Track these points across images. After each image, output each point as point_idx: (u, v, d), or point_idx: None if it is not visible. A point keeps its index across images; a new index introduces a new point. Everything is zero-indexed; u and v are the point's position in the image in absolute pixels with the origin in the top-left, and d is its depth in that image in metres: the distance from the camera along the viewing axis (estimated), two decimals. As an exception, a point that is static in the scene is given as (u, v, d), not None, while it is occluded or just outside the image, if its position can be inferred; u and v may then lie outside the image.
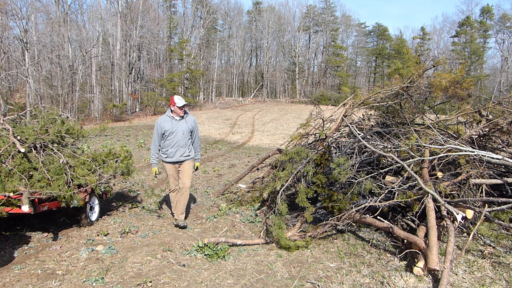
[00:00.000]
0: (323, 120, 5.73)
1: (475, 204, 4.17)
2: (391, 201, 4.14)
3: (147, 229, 5.02)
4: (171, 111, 5.08)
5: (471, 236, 3.67)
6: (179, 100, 4.98)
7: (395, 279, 3.35)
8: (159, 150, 5.17)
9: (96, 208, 5.29)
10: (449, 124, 5.74)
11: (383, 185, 4.42)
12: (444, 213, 3.85)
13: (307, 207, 4.50)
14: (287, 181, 4.79)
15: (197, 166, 5.31)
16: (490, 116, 5.29)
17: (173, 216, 5.31)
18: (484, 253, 3.80)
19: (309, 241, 4.32)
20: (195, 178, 8.76)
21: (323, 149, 5.06)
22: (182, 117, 5.08)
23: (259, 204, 5.97)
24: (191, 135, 5.17)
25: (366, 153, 5.00)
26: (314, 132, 5.85)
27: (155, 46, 41.38)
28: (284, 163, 5.10)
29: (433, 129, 5.13)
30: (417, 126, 5.50)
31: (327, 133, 5.35)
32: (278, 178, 4.91)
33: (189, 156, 5.18)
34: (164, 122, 5.05)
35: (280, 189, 4.73)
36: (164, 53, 46.44)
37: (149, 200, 6.60)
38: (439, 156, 4.37)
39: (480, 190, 4.28)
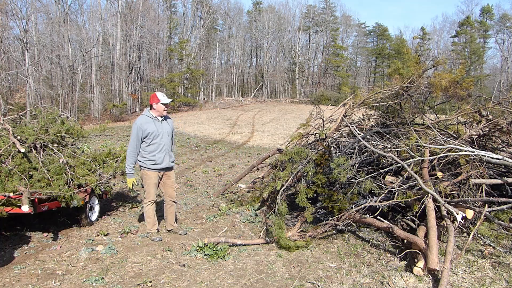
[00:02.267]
0: (323, 120, 5.73)
1: (475, 204, 4.17)
2: (391, 201, 4.13)
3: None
4: (151, 109, 4.47)
5: (471, 236, 3.67)
6: (163, 97, 4.42)
7: (395, 279, 3.34)
8: (137, 156, 4.46)
9: (96, 208, 5.29)
10: (449, 124, 5.74)
11: (383, 185, 4.42)
12: (444, 213, 3.85)
13: (307, 207, 4.50)
14: (287, 181, 4.79)
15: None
16: (490, 116, 5.29)
17: (149, 231, 4.67)
18: (484, 253, 3.80)
19: (309, 241, 4.32)
20: (195, 178, 8.77)
21: (323, 149, 5.06)
22: (164, 117, 4.54)
23: (259, 204, 5.97)
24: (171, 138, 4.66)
25: (366, 153, 5.00)
26: (314, 132, 5.86)
27: (155, 46, 41.40)
28: (284, 163, 5.10)
29: (433, 129, 5.12)
30: (417, 126, 5.50)
31: (327, 133, 5.35)
32: (278, 178, 4.90)
33: (174, 161, 4.71)
34: (146, 123, 4.38)
35: (280, 189, 4.73)
36: (164, 53, 46.46)
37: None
38: (439, 156, 4.37)
39: (480, 190, 4.27)
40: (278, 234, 4.21)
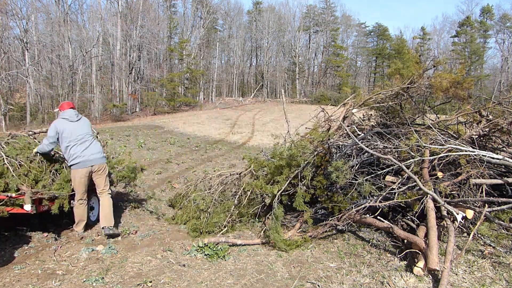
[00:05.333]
0: (324, 121, 5.72)
1: (475, 204, 4.17)
2: (391, 201, 4.13)
3: (147, 229, 5.02)
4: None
5: (471, 236, 3.67)
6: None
7: (395, 279, 3.34)
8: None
9: (97, 208, 5.28)
10: (449, 124, 5.74)
11: (383, 185, 4.42)
12: (444, 213, 3.85)
13: (305, 210, 4.51)
14: (286, 182, 4.77)
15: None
16: (490, 116, 5.29)
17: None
18: (484, 253, 3.80)
19: (307, 238, 4.32)
20: (195, 178, 8.75)
21: (323, 151, 5.05)
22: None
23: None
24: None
25: (367, 154, 4.99)
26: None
27: (155, 46, 41.35)
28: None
29: (434, 129, 5.13)
30: (418, 126, 5.50)
31: (328, 134, 5.34)
32: (276, 182, 4.86)
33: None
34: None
35: (277, 193, 4.70)
36: (164, 53, 46.42)
37: (149, 200, 6.59)
38: (439, 156, 4.37)
39: (480, 190, 4.28)
40: (275, 238, 4.21)
